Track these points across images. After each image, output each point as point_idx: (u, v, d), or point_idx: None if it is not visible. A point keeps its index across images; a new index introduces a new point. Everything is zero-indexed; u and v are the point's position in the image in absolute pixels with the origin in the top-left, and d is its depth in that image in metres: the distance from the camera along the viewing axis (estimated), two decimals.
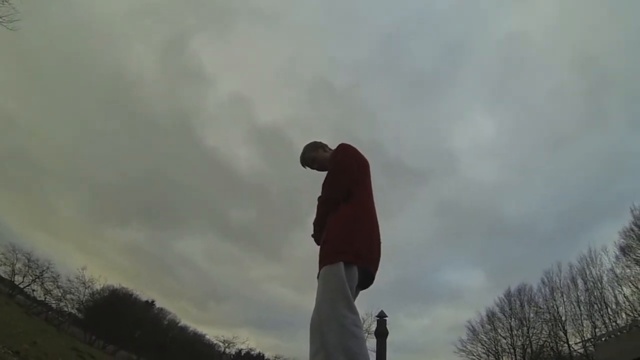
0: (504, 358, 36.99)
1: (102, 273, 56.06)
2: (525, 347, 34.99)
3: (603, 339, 22.48)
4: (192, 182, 76.97)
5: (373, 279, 2.53)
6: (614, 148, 60.68)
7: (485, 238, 74.08)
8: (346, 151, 2.71)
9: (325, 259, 2.34)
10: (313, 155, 3.03)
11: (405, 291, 71.12)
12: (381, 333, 11.60)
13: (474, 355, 38.50)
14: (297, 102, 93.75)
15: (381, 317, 12.00)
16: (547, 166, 75.24)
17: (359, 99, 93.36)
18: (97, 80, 68.98)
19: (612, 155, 61.61)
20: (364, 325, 39.71)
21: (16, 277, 38.87)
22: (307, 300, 70.39)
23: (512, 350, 36.36)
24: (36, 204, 60.70)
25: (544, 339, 33.67)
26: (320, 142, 3.06)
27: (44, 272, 39.24)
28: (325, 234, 2.49)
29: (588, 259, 31.60)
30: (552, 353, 32.44)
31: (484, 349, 38.41)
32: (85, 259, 74.51)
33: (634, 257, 26.99)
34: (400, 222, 78.29)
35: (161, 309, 52.27)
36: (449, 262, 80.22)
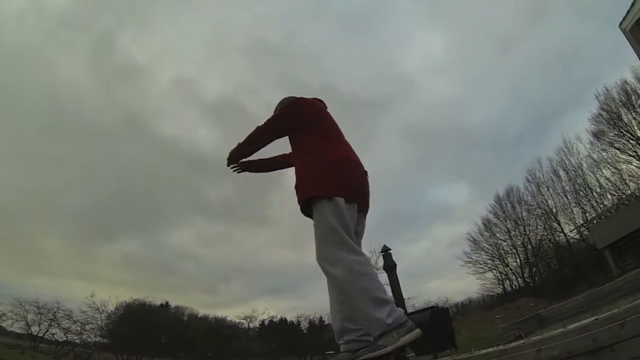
0: (508, 259, 39.09)
1: (111, 293, 56.36)
2: (526, 244, 36.92)
3: (595, 222, 23.67)
4: (162, 177, 75.29)
5: (367, 206, 2.55)
6: (565, 40, 61.49)
7: (458, 152, 75.74)
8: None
9: (302, 200, 2.36)
10: None
11: (397, 221, 73.04)
12: (390, 266, 12.13)
13: (480, 264, 40.55)
14: (238, 68, 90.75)
15: (386, 252, 12.52)
16: (501, 70, 76.04)
17: (299, 48, 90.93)
18: (33, 109, 65.02)
19: (563, 48, 62.49)
20: (372, 263, 41.41)
21: (32, 328, 38.82)
22: (307, 254, 71.93)
23: (514, 251, 38.39)
24: (24, 252, 58.75)
25: (540, 234, 35.57)
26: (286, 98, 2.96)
27: (56, 313, 39.20)
28: (297, 178, 2.47)
29: (565, 149, 32.82)
30: (551, 245, 34.37)
31: (488, 255, 40.42)
32: (90, 286, 73.86)
33: (608, 139, 27.99)
34: (371, 156, 78.46)
35: (177, 307, 52.93)
36: (431, 182, 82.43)
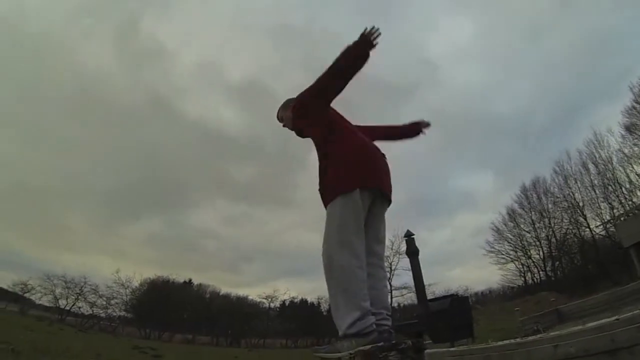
0: (531, 251, 38.48)
1: (135, 270, 58.35)
2: (550, 237, 36.26)
3: (622, 219, 23.13)
4: (187, 158, 76.59)
5: (390, 188, 2.60)
6: (596, 30, 58.96)
7: (483, 141, 74.35)
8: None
9: (326, 201, 2.43)
10: (281, 115, 3.08)
11: (420, 207, 72.67)
12: (412, 252, 12.16)
13: (502, 254, 40.02)
14: (262, 51, 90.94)
15: (409, 237, 12.53)
16: (530, 58, 73.65)
17: (321, 30, 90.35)
18: (61, 93, 66.75)
19: (594, 37, 60.02)
20: (394, 247, 41.23)
21: (60, 301, 40.77)
22: None
23: (537, 243, 37.75)
24: (51, 228, 61.60)
25: (565, 227, 34.79)
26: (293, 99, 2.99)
27: (83, 288, 41.05)
28: (320, 181, 2.52)
29: (595, 142, 31.87)
30: (575, 239, 33.61)
31: (511, 246, 39.82)
32: (115, 263, 76.78)
33: None
34: (393, 142, 78.73)
35: (200, 285, 53.79)
36: (455, 170, 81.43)
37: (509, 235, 40.08)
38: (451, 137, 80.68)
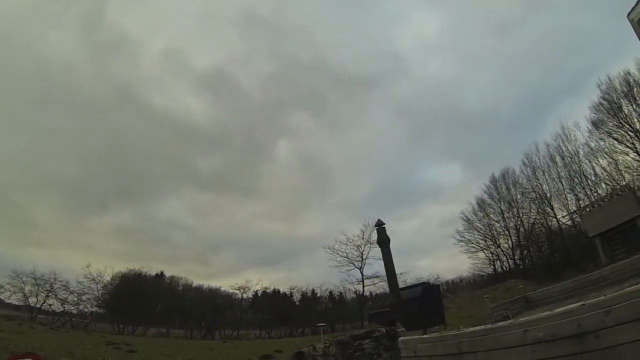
0: (500, 240, 39.74)
1: (106, 263, 56.91)
2: (518, 227, 37.38)
3: (587, 209, 23.96)
4: (153, 148, 75.44)
5: None
6: (564, 27, 60.66)
7: (451, 133, 76.14)
8: None
9: None
10: None
11: (388, 198, 74.14)
12: (383, 240, 12.18)
13: (472, 243, 41.27)
14: (229, 40, 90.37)
15: (380, 226, 12.55)
16: (497, 53, 75.52)
17: (290, 20, 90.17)
18: (24, 79, 64.13)
19: (561, 36, 61.92)
20: (365, 236, 40.90)
21: (30, 299, 39.28)
22: (295, 229, 72.72)
23: (506, 232, 38.99)
24: (16, 223, 59.09)
25: (533, 217, 35.92)
26: None
27: (53, 284, 39.64)
28: None
29: (562, 136, 32.94)
30: (543, 229, 34.74)
31: (480, 235, 41.09)
32: (85, 257, 74.86)
33: (606, 129, 28.02)
34: (360, 133, 79.34)
35: (172, 277, 53.51)
36: (422, 161, 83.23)
37: (478, 224, 41.34)
38: (418, 129, 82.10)
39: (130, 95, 77.18)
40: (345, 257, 43.80)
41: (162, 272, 52.32)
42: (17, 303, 39.90)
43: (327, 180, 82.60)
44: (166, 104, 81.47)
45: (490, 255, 40.76)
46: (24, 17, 66.77)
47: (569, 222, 31.90)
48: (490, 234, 40.36)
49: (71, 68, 70.42)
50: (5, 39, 61.00)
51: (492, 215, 40.23)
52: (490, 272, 40.89)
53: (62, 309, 40.94)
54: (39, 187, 64.81)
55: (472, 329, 5.13)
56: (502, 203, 39.23)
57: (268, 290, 53.76)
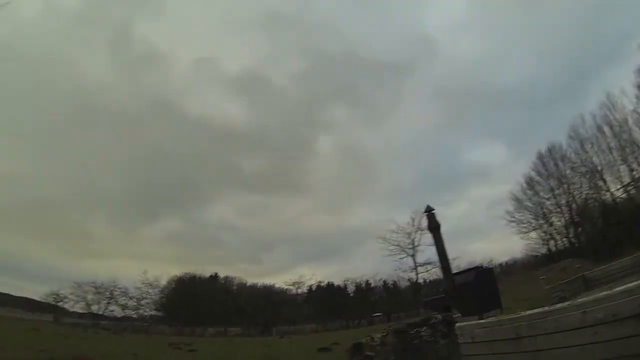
0: (552, 218, 38.35)
1: (162, 269, 59.83)
2: (570, 203, 35.96)
3: None
4: (196, 154, 77.90)
5: None
6: None
7: (490, 112, 73.80)
8: None
9: None
10: None
11: (433, 183, 73.15)
12: (434, 226, 12.14)
13: (523, 223, 39.99)
14: (257, 42, 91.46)
15: (429, 212, 12.49)
16: (529, 25, 71.99)
17: (315, 16, 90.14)
18: (62, 105, 68.08)
19: (594, 0, 57.97)
20: (415, 224, 40.95)
21: (92, 307, 42.31)
22: (344, 221, 72.81)
23: (558, 210, 37.57)
24: (74, 238, 63.30)
25: (585, 192, 34.36)
26: None
27: (113, 291, 42.54)
28: None
29: (608, 104, 31.24)
30: (596, 204, 33.18)
31: (531, 214, 39.76)
32: (141, 264, 78.60)
33: None
34: (398, 120, 78.49)
35: (226, 277, 55.10)
36: (465, 143, 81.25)
37: (528, 204, 39.97)
38: (457, 110, 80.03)
39: (166, 107, 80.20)
40: (397, 245, 43.76)
41: (216, 274, 54.22)
42: (81, 311, 43.05)
43: (371, 171, 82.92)
44: (204, 111, 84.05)
45: (542, 234, 39.48)
46: (55, 45, 70.34)
47: (624, 195, 30.35)
48: (541, 212, 39.06)
49: (107, 88, 73.89)
50: (41, 70, 64.63)
51: (541, 193, 38.90)
52: (544, 252, 39.68)
53: (123, 314, 43.70)
54: (93, 202, 68.67)
55: (529, 312, 5.12)
56: (551, 180, 37.82)
57: (322, 284, 54.78)
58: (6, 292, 47.41)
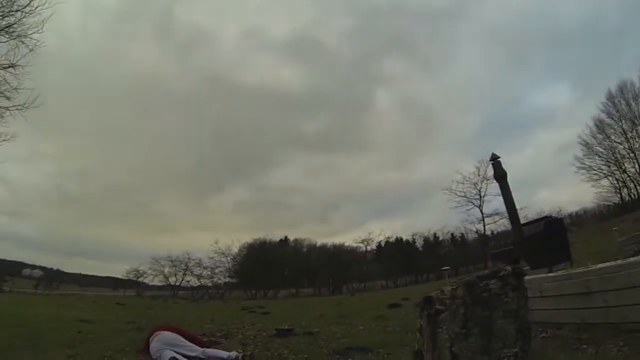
0: (625, 164, 36.13)
1: (232, 237, 63.08)
2: None
3: None
4: (256, 124, 79.31)
5: None
6: None
7: (552, 51, 68.22)
8: None
9: None
10: None
11: (495, 130, 70.11)
12: (500, 175, 11.89)
13: (594, 170, 37.99)
14: (300, 5, 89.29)
15: (495, 160, 12.20)
16: None
17: None
18: (122, 97, 71.63)
19: None
20: (481, 173, 41.10)
21: (170, 279, 46.56)
22: (409, 175, 72.07)
23: (631, 155, 35.37)
24: (147, 216, 68.39)
25: None
26: None
27: (188, 263, 46.37)
28: None
29: None
30: None
31: (602, 160, 37.57)
32: (212, 235, 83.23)
33: None
34: (456, 68, 74.79)
35: (296, 240, 56.78)
36: (526, 87, 76.35)
37: (599, 148, 37.51)
38: (515, 53, 74.97)
39: (220, 81, 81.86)
40: (464, 196, 43.73)
41: (285, 237, 56.25)
42: (159, 284, 47.56)
43: (432, 122, 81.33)
44: (259, 80, 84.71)
45: (615, 182, 37.44)
46: (104, 43, 73.38)
47: None
48: (613, 158, 36.62)
49: (161, 74, 76.47)
50: (95, 67, 68.09)
51: (613, 137, 36.30)
52: (617, 202, 37.68)
53: (199, 284, 47.42)
54: (163, 183, 73.10)
55: (600, 265, 5.16)
56: (623, 122, 35.17)
57: (391, 240, 55.21)
58: (93, 274, 53.76)
